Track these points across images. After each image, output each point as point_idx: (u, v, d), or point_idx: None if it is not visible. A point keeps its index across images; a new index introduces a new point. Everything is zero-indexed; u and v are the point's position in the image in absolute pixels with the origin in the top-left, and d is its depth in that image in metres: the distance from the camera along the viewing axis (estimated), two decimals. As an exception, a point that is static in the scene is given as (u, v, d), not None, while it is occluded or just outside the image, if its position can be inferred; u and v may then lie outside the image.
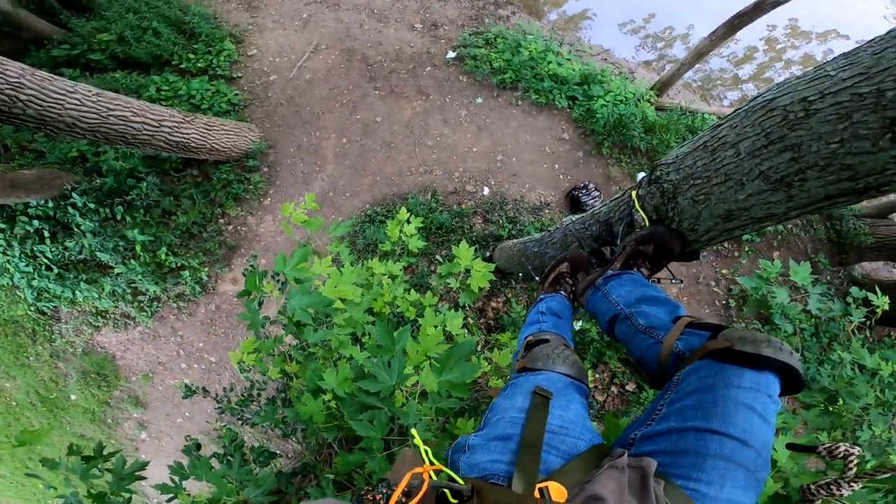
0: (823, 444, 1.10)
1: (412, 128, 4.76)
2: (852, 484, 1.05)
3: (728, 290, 4.20)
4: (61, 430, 5.32)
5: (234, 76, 5.41)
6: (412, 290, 2.31)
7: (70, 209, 4.45)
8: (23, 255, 4.52)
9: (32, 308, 4.88)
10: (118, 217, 4.54)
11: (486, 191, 4.42)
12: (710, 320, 1.28)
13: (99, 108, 3.50)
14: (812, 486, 1.09)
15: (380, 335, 1.62)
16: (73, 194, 4.46)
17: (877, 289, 2.51)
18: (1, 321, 5.04)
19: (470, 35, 5.20)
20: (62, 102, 3.29)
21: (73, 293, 4.67)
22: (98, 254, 4.52)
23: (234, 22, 5.89)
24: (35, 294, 4.75)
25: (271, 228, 4.70)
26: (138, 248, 4.55)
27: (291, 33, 5.67)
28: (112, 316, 4.86)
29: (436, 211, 4.32)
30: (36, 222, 4.44)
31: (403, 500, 0.85)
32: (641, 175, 1.65)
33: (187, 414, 4.90)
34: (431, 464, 0.94)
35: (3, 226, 4.43)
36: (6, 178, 4.27)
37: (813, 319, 3.68)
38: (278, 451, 4.45)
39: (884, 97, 0.97)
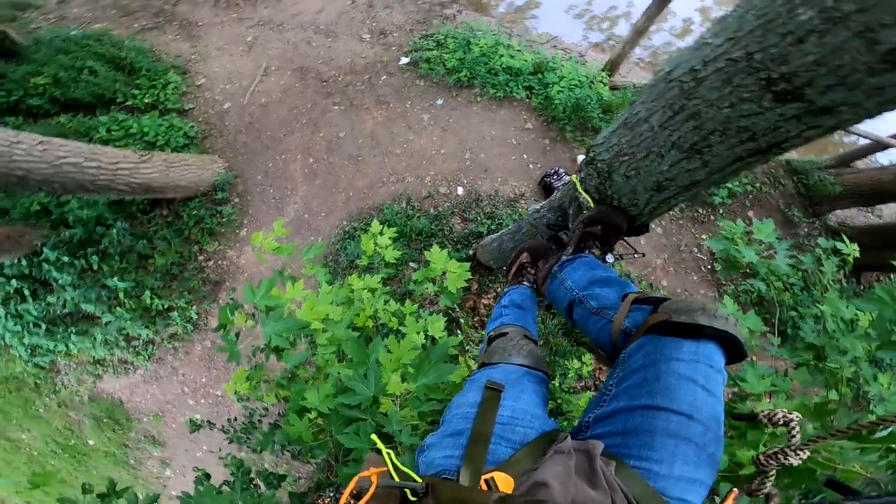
0: (763, 412, 1.11)
1: (377, 138, 4.78)
2: (799, 452, 1.04)
3: (711, 254, 4.37)
4: (87, 474, 5.33)
5: (186, 108, 5.32)
6: (392, 300, 2.35)
7: (44, 265, 4.35)
8: (8, 316, 4.42)
9: (29, 364, 4.81)
10: (94, 267, 4.45)
11: (461, 190, 4.49)
12: (655, 294, 1.28)
13: (48, 156, 3.35)
14: (762, 457, 1.06)
15: (352, 350, 1.71)
16: (45, 249, 4.35)
17: (843, 236, 2.62)
18: (1, 378, 4.93)
19: (420, 39, 5.23)
20: (8, 154, 3.14)
21: (66, 346, 4.60)
22: (82, 305, 4.44)
23: (174, 53, 5.79)
24: (29, 351, 4.68)
25: (252, 259, 4.68)
26: (121, 295, 4.47)
27: (238, 59, 5.60)
28: (110, 363, 4.80)
29: (413, 217, 4.36)
30: (14, 282, 4.34)
31: (351, 502, 0.86)
32: (581, 158, 1.73)
33: (205, 447, 4.87)
34: (394, 466, 0.95)
35: (-21, 291, 4.31)
36: None
37: (800, 273, 3.82)
38: (298, 474, 4.51)
39: (753, 60, 1.00)
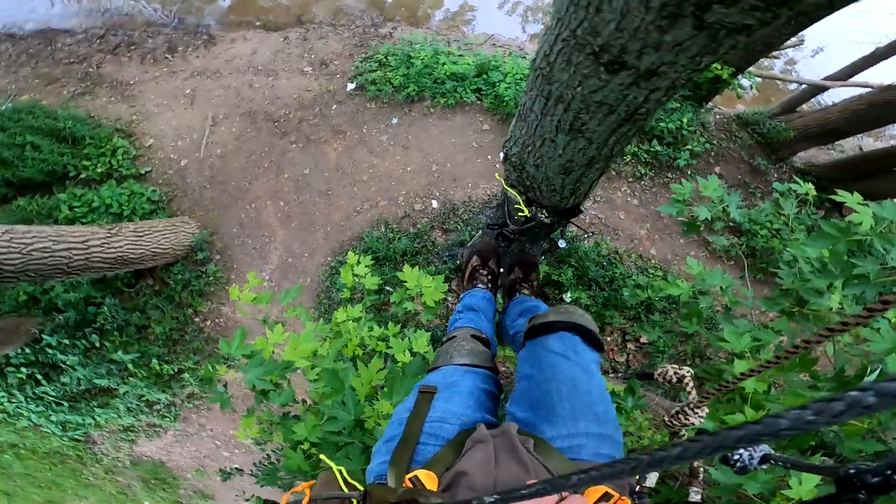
0: (657, 371, 1.25)
1: (342, 169, 4.84)
2: (697, 410, 1.09)
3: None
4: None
5: (143, 172, 5.26)
6: (376, 325, 2.44)
7: (48, 350, 4.42)
8: (28, 400, 4.49)
9: (65, 438, 4.95)
10: (97, 344, 4.51)
11: (435, 203, 4.61)
12: (541, 316, 1.53)
13: (15, 245, 3.35)
14: (666, 419, 1.12)
15: (327, 380, 1.87)
16: (44, 336, 4.40)
17: (795, 177, 2.78)
18: (43, 455, 5.01)
19: (361, 62, 5.27)
20: None
21: (93, 418, 4.73)
22: (96, 381, 4.55)
23: (113, 116, 5.69)
24: (60, 427, 4.83)
25: (250, 308, 4.74)
26: (130, 366, 4.55)
27: (182, 113, 5.55)
28: (139, 428, 4.91)
29: (394, 240, 4.46)
30: (24, 369, 4.41)
31: None
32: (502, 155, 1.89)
33: (245, 491, 5.01)
34: (344, 480, 1.00)
35: (-7, 379, 4.38)
36: None
37: (782, 218, 4.02)
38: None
39: (577, 36, 1.04)
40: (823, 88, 4.83)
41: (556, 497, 0.80)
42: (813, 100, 5.51)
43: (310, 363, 2.06)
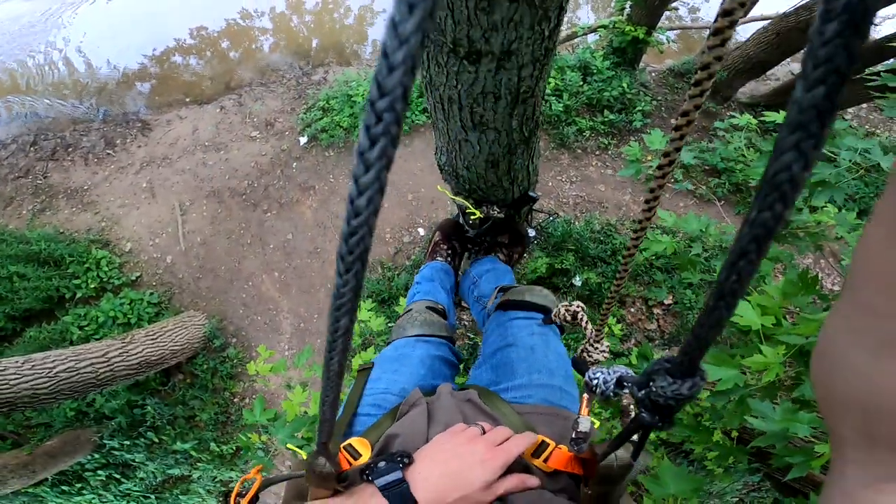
0: (554, 313, 1.31)
1: (322, 224, 4.94)
2: (597, 344, 1.08)
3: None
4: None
5: (133, 278, 5.31)
6: None
7: (114, 452, 4.64)
8: (117, 497, 4.74)
9: None
10: (155, 440, 4.74)
11: (422, 231, 4.74)
12: (512, 285, 1.69)
13: (39, 371, 3.60)
14: (576, 359, 1.13)
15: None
16: (105, 441, 4.63)
17: (738, 112, 2.80)
18: None
19: (305, 113, 5.25)
20: (5, 382, 3.41)
21: None
22: (169, 471, 4.76)
23: (83, 228, 5.67)
24: None
25: (278, 380, 4.95)
26: (193, 453, 4.78)
27: (147, 208, 5.54)
28: None
29: (394, 278, 4.62)
30: (101, 472, 4.63)
31: (241, 501, 0.90)
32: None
33: None
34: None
35: (80, 484, 4.61)
36: (39, 452, 4.41)
37: (748, 150, 4.17)
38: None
39: (431, 39, 1.11)
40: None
41: (478, 430, 0.87)
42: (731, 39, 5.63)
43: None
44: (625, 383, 0.72)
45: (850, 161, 1.72)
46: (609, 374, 0.74)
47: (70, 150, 6.29)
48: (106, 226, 5.60)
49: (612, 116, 4.66)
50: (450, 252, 2.29)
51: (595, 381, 0.76)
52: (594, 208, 4.57)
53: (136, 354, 4.22)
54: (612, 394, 0.73)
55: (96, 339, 4.72)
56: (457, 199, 1.99)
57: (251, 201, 5.17)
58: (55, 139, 6.47)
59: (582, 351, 1.11)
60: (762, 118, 2.21)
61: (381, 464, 0.78)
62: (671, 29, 5.14)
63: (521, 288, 1.57)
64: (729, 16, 0.42)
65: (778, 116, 1.89)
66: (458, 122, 1.42)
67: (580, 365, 1.11)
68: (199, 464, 4.82)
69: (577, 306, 1.21)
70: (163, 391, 4.92)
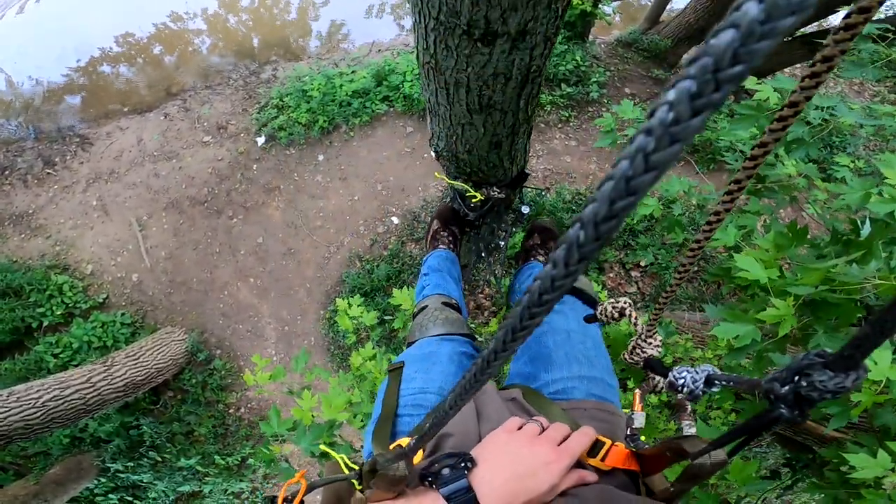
0: (599, 309, 1.22)
1: (293, 224, 4.87)
2: (649, 339, 1.01)
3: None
4: None
5: (101, 301, 5.10)
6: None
7: (120, 475, 4.58)
8: None
9: None
10: (159, 459, 4.68)
11: (395, 220, 4.74)
12: None
13: (26, 402, 3.60)
14: (626, 357, 1.05)
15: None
16: (107, 464, 4.56)
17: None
18: None
19: (258, 113, 5.11)
20: None
21: None
22: (180, 489, 4.73)
23: (36, 254, 5.38)
24: None
25: (273, 387, 4.89)
26: (199, 468, 4.75)
27: (102, 227, 5.30)
28: None
29: (374, 270, 4.62)
30: (112, 496, 4.58)
31: None
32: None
33: None
34: (347, 466, 1.02)
35: (92, 509, 4.61)
36: (46, 481, 4.34)
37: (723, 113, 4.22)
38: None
39: (443, 22, 1.11)
40: None
41: (537, 427, 0.86)
42: (668, 8, 5.88)
43: (350, 413, 2.15)
44: (716, 381, 0.71)
45: (820, 119, 1.83)
46: (697, 373, 0.74)
47: (6, 172, 5.91)
48: (61, 249, 5.33)
49: (569, 89, 4.77)
50: (450, 238, 2.29)
51: (682, 381, 0.75)
52: (563, 179, 4.69)
53: (120, 376, 4.16)
54: (701, 392, 0.73)
55: (74, 366, 4.58)
56: (455, 183, 1.98)
57: (214, 208, 5.03)
58: (-15, 164, 6.05)
59: (633, 346, 1.03)
60: None
61: (445, 470, 0.77)
62: (614, 0, 5.29)
63: None
64: (865, 13, 0.41)
65: (749, 81, 1.99)
66: (464, 105, 1.41)
67: (656, 366, 1.02)
68: (207, 478, 4.78)
69: (625, 302, 1.13)
70: (155, 410, 4.83)
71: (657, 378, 0.95)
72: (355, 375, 2.47)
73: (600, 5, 4.75)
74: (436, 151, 1.88)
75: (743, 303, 1.55)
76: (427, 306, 1.67)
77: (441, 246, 2.26)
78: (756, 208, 1.91)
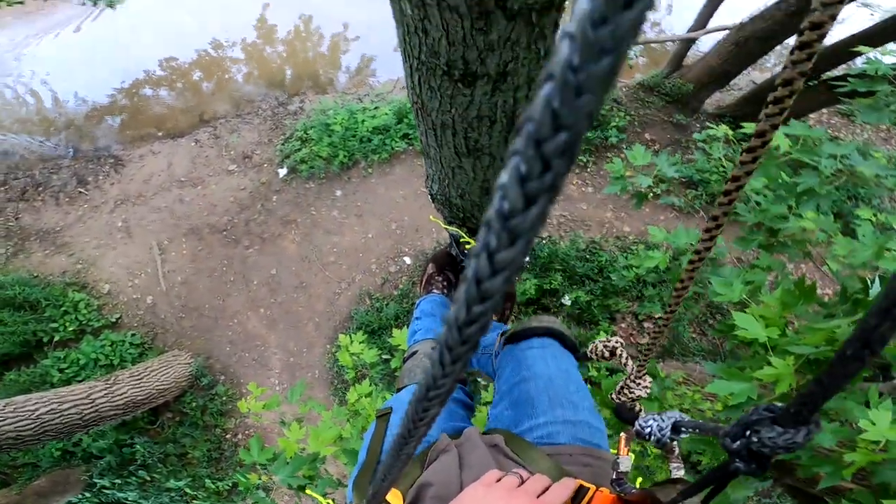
0: (589, 349, 1.26)
1: (307, 258, 4.87)
2: (639, 380, 1.03)
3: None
4: None
5: (114, 320, 5.17)
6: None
7: (105, 491, 4.49)
8: None
9: None
10: (147, 478, 4.61)
11: (408, 260, 4.71)
12: (520, 323, 1.64)
13: (22, 413, 3.60)
14: (613, 397, 1.08)
15: (349, 460, 2.01)
16: (94, 480, 4.49)
17: (709, 123, 2.78)
18: None
19: (283, 144, 5.20)
20: None
21: None
22: None
23: (57, 270, 5.51)
24: None
25: (272, 415, 4.86)
26: (188, 490, 4.67)
27: (124, 248, 5.41)
28: None
29: (382, 309, 4.58)
30: None
31: None
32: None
33: None
34: None
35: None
36: (29, 492, 4.32)
37: (720, 161, 4.18)
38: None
39: (424, 62, 1.09)
40: (692, 40, 5.07)
41: (516, 479, 0.83)
42: (691, 52, 5.84)
43: (338, 447, 2.13)
44: (682, 428, 0.72)
45: (832, 169, 1.73)
46: (663, 420, 0.74)
47: (40, 189, 6.12)
48: (82, 268, 5.45)
49: (588, 133, 4.69)
50: (445, 284, 2.24)
51: (648, 430, 0.75)
52: (578, 227, 4.60)
53: (121, 395, 4.17)
54: (668, 440, 0.74)
55: (78, 381, 4.61)
56: (450, 228, 1.94)
57: (232, 237, 5.08)
58: (25, 178, 6.28)
59: (622, 387, 1.06)
60: (740, 130, 2.21)
61: None
62: (636, 43, 5.24)
63: (525, 321, 1.53)
64: (818, 29, 0.40)
65: (748, 127, 1.90)
66: (452, 148, 1.38)
67: (624, 413, 1.06)
68: (195, 501, 4.70)
69: (616, 341, 1.18)
70: (151, 430, 4.81)
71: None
72: (350, 411, 2.44)
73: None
74: (431, 195, 1.83)
75: (745, 359, 1.54)
76: (417, 352, 1.66)
77: (435, 290, 2.21)
78: (766, 263, 1.85)
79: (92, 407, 3.95)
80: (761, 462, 0.45)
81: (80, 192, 5.87)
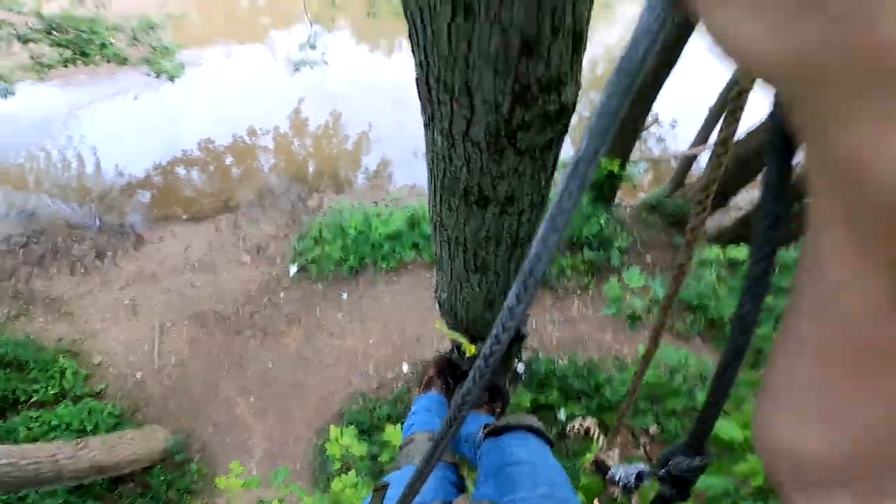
0: (569, 427, 1.45)
1: (306, 357, 4.90)
2: (609, 452, 1.27)
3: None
4: None
5: (98, 390, 5.10)
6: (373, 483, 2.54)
7: None
8: None
9: None
10: None
11: (406, 367, 4.71)
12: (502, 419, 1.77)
13: None
14: (587, 468, 1.31)
15: None
16: None
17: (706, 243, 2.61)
18: None
19: (297, 242, 5.37)
20: None
21: None
22: None
23: (55, 336, 5.51)
24: None
25: (246, 499, 4.67)
26: None
27: (126, 325, 5.46)
28: None
29: (375, 410, 4.53)
30: None
31: None
32: (438, 304, 2.15)
33: None
34: None
35: None
36: None
37: (716, 284, 4.17)
38: None
39: (446, 185, 1.20)
40: (694, 156, 5.25)
41: None
42: (694, 168, 5.99)
43: None
44: (643, 475, 0.89)
45: None
46: (630, 468, 0.92)
47: (58, 256, 6.28)
48: (81, 337, 5.47)
49: (591, 255, 4.82)
50: (444, 386, 2.33)
51: (618, 476, 0.93)
52: (577, 347, 4.62)
53: (88, 459, 4.06)
54: (633, 485, 0.90)
55: (46, 440, 4.49)
56: (453, 334, 2.02)
57: (235, 328, 5.14)
58: (47, 244, 6.46)
59: (596, 458, 1.28)
60: (730, 255, 2.33)
61: None
62: (642, 160, 5.42)
63: (507, 416, 1.69)
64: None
65: (740, 252, 2.02)
66: (462, 264, 1.51)
67: (600, 466, 1.28)
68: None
69: (590, 422, 1.49)
70: (108, 497, 4.59)
71: (614, 489, 1.09)
72: (332, 500, 2.48)
73: (627, 166, 4.86)
74: (439, 302, 1.96)
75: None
76: (414, 439, 1.76)
77: (433, 390, 2.31)
78: (752, 378, 2.02)
79: (54, 466, 3.81)
80: (682, 487, 0.55)
81: (97, 265, 6.02)
